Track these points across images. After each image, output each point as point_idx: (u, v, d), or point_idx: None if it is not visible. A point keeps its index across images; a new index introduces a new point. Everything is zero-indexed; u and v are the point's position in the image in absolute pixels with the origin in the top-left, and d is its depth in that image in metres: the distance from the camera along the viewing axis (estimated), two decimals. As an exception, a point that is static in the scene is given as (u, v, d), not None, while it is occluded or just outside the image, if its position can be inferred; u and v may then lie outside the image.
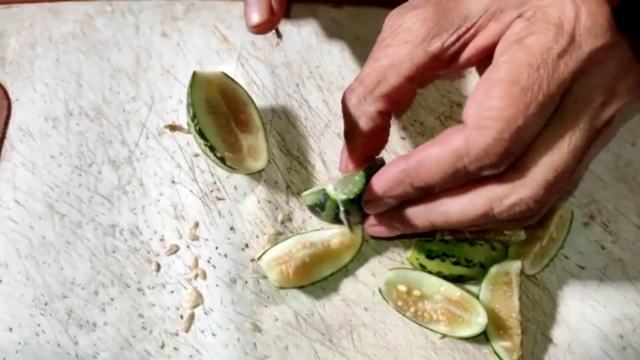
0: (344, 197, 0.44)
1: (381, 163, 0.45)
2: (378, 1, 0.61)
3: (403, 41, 0.39)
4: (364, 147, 0.44)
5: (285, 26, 0.60)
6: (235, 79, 0.53)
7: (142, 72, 0.57)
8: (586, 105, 0.36)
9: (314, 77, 0.58)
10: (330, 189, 0.45)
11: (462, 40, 0.39)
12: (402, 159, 0.40)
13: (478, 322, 0.47)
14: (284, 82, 0.57)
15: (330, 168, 0.54)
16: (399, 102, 0.42)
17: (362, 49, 0.59)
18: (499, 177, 0.38)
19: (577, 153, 0.36)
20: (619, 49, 0.36)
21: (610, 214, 0.54)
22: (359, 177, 0.44)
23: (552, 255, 0.52)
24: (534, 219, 0.40)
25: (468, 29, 0.38)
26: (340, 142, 0.55)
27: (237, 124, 0.52)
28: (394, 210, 0.43)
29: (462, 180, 0.38)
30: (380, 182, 0.41)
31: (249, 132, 0.52)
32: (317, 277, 0.49)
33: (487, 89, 0.35)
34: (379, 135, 0.44)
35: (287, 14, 0.59)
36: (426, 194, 0.40)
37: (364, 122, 0.42)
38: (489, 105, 0.35)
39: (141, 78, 0.57)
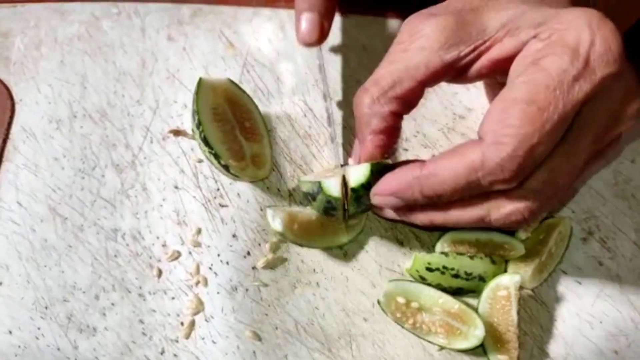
0: (353, 184, 0.45)
1: (387, 163, 0.46)
2: (384, 11, 0.61)
3: (420, 47, 0.40)
4: (376, 145, 0.46)
5: (290, 32, 0.60)
6: (241, 85, 0.54)
7: (148, 75, 0.57)
8: (591, 127, 0.38)
9: (319, 85, 0.58)
10: (325, 183, 0.46)
11: (477, 51, 0.40)
12: (418, 166, 0.41)
13: (476, 334, 0.48)
14: (289, 90, 0.57)
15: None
16: (410, 104, 0.44)
17: (367, 59, 0.59)
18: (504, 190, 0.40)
19: (576, 171, 0.39)
20: (627, 76, 0.37)
21: (608, 230, 0.54)
22: (365, 170, 0.45)
23: (551, 270, 0.52)
24: (525, 225, 0.44)
25: (484, 42, 0.40)
26: (344, 151, 0.55)
27: (242, 131, 0.52)
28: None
29: (472, 192, 0.40)
30: (393, 182, 0.43)
31: (254, 140, 0.52)
32: (315, 242, 0.50)
33: (504, 107, 0.37)
34: (391, 134, 0.45)
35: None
36: (432, 202, 0.42)
37: (377, 122, 0.44)
38: (506, 123, 0.36)
39: (146, 82, 0.57)
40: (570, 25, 0.36)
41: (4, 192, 0.52)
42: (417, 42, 0.41)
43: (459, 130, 0.57)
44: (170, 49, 0.58)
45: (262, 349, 0.48)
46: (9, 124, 0.54)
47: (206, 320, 0.49)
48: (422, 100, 0.58)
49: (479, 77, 0.42)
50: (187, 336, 0.48)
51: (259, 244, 0.51)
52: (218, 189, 0.53)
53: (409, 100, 0.43)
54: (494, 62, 0.40)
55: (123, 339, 0.48)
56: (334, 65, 0.59)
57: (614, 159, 0.41)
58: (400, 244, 0.53)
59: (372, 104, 0.43)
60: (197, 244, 0.51)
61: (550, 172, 0.38)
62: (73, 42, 0.58)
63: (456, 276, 0.49)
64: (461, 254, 0.50)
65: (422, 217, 0.45)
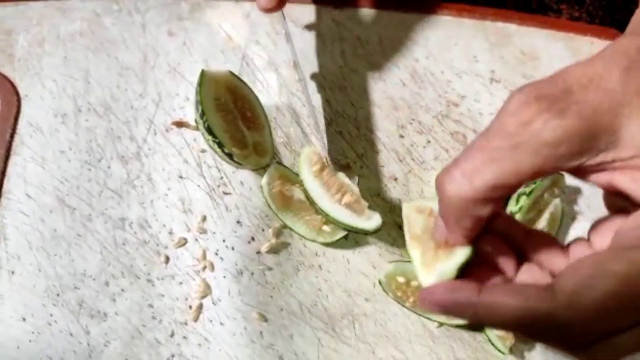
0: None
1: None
2: (378, 3, 0.63)
3: (536, 150, 0.32)
4: (465, 238, 0.37)
5: (288, 26, 0.61)
6: (241, 77, 0.55)
7: (149, 69, 0.59)
8: None
9: (316, 76, 0.59)
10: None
11: (601, 167, 0.33)
12: (474, 289, 0.34)
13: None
14: (287, 81, 0.59)
15: (332, 165, 0.56)
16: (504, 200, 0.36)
17: (362, 50, 0.61)
18: None
19: None
20: None
21: (598, 210, 0.56)
22: (460, 259, 0.38)
23: (544, 249, 0.54)
24: None
25: (614, 160, 0.32)
26: (342, 140, 0.57)
27: (244, 121, 0.54)
28: None
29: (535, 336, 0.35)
30: (445, 297, 0.35)
31: (255, 129, 0.54)
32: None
33: (594, 276, 0.31)
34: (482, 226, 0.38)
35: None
36: None
37: (471, 223, 0.36)
38: (588, 289, 0.31)
39: (148, 75, 0.58)
40: None
41: (13, 184, 0.53)
42: (533, 141, 0.31)
43: (453, 117, 0.59)
44: (171, 43, 0.60)
45: (268, 330, 0.50)
46: (16, 118, 0.56)
47: (213, 303, 0.51)
48: (416, 89, 0.60)
49: (594, 184, 0.35)
50: (196, 319, 0.50)
51: (263, 230, 0.53)
52: (221, 178, 0.55)
53: (504, 199, 0.35)
54: (614, 185, 0.33)
55: (133, 323, 0.50)
56: (331, 56, 0.60)
57: None
58: (399, 227, 0.54)
59: (466, 204, 0.34)
60: (203, 231, 0.53)
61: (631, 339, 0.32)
62: (75, 39, 0.60)
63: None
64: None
65: None
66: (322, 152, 0.53)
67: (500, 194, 0.34)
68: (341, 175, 0.53)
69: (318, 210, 0.51)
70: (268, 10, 0.49)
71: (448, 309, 0.35)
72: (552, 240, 0.36)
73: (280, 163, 0.55)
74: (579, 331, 0.31)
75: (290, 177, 0.54)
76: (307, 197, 0.52)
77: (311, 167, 0.52)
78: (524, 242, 0.38)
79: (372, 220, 0.50)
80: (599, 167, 0.32)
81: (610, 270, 0.30)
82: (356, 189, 0.52)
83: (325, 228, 0.52)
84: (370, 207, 0.51)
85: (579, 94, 0.31)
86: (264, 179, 0.52)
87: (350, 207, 0.51)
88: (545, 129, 0.31)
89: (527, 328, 0.33)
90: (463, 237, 0.36)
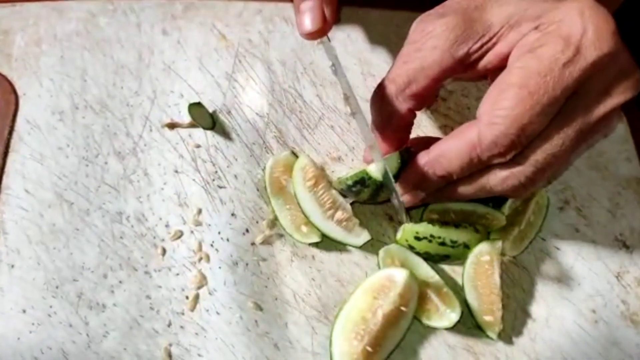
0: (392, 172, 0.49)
1: (409, 150, 0.50)
2: (367, 3, 0.65)
3: (432, 46, 0.43)
4: (397, 138, 0.50)
5: (279, 24, 0.63)
6: (233, 75, 0.57)
7: (145, 68, 0.60)
8: (583, 104, 0.41)
9: (307, 73, 0.61)
10: (371, 170, 0.50)
11: (485, 47, 0.43)
12: (425, 153, 0.46)
13: (450, 316, 0.51)
14: (280, 78, 0.61)
15: (325, 158, 0.58)
16: (426, 101, 0.47)
17: (352, 47, 0.63)
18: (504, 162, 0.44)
19: (569, 144, 0.42)
20: (621, 55, 0.40)
21: (583, 199, 0.58)
22: (396, 158, 0.49)
23: (531, 238, 0.56)
24: (522, 194, 0.47)
25: (490, 38, 0.42)
26: (333, 134, 0.59)
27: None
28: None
29: (476, 167, 0.44)
30: (411, 176, 0.48)
31: None
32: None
33: (500, 91, 0.41)
34: (408, 129, 0.51)
35: (338, 20, 0.64)
36: (447, 181, 0.47)
37: (397, 118, 0.47)
38: (500, 105, 0.41)
39: (143, 74, 0.60)
40: (565, 16, 0.40)
41: (12, 180, 0.55)
42: (429, 41, 0.43)
43: (441, 112, 0.61)
44: (165, 42, 0.61)
45: (263, 318, 0.51)
46: (14, 116, 0.57)
47: (210, 293, 0.52)
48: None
49: (487, 71, 0.45)
50: (193, 309, 0.51)
51: (257, 222, 0.55)
52: (216, 172, 0.56)
53: (424, 97, 0.46)
54: (501, 56, 0.43)
55: (131, 314, 0.51)
56: (321, 53, 0.62)
57: (610, 132, 0.44)
58: (390, 218, 0.56)
59: (390, 101, 0.46)
60: (198, 223, 0.54)
61: (544, 144, 0.42)
62: (72, 38, 0.61)
63: (442, 244, 0.52)
64: (447, 223, 0.53)
65: (439, 196, 0.50)
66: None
67: (415, 90, 0.45)
68: (334, 193, 0.54)
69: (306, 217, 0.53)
70: (311, 36, 0.44)
71: (419, 184, 0.48)
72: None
73: (295, 154, 0.57)
74: (502, 138, 0.41)
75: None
76: (299, 207, 0.54)
77: (305, 181, 0.54)
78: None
79: (360, 238, 0.53)
80: (484, 50, 0.43)
81: (507, 81, 0.40)
82: (349, 207, 0.54)
83: (303, 228, 0.54)
84: (360, 224, 0.53)
85: (454, 2, 0.44)
86: (270, 162, 0.55)
87: (341, 223, 0.53)
88: (435, 28, 0.43)
89: (472, 160, 0.43)
90: (396, 140, 0.49)
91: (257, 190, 0.56)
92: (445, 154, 0.45)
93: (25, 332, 0.50)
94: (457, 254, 0.53)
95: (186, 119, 0.58)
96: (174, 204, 0.55)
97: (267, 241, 0.54)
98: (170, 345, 0.50)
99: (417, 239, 0.52)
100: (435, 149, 0.46)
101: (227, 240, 0.54)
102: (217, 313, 0.51)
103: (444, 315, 0.51)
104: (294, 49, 0.62)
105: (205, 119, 0.57)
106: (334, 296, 0.53)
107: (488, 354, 0.52)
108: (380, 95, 0.47)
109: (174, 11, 0.63)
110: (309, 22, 0.44)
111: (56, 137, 0.57)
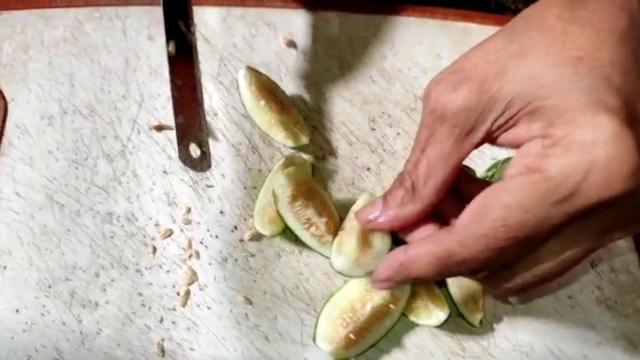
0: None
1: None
2: (347, 7, 0.67)
3: (448, 134, 0.39)
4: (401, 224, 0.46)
5: (262, 28, 0.65)
6: (218, 78, 0.59)
7: (131, 72, 0.61)
8: (585, 234, 0.36)
9: (291, 75, 0.63)
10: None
11: (501, 130, 0.38)
12: (401, 251, 0.42)
13: (439, 315, 0.52)
14: (264, 80, 0.63)
15: (311, 158, 0.59)
16: (447, 187, 0.42)
17: (333, 49, 0.65)
18: None
19: (563, 267, 0.38)
20: None
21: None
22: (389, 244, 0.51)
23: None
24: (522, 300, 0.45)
25: (506, 122, 0.37)
26: (317, 133, 0.61)
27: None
28: None
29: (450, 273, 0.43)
30: (385, 272, 0.44)
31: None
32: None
33: (480, 210, 0.37)
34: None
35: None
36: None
37: (413, 215, 0.43)
38: (473, 229, 0.37)
39: (130, 78, 0.61)
40: (578, 138, 0.33)
41: (3, 184, 0.56)
42: (444, 127, 0.38)
43: (420, 110, 0.63)
44: (151, 47, 0.63)
45: (253, 312, 0.53)
46: (3, 121, 0.58)
47: (200, 289, 0.53)
48: (385, 85, 0.64)
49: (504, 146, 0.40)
50: (184, 304, 0.53)
51: (245, 219, 0.56)
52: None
53: (445, 185, 0.41)
54: (515, 141, 0.38)
55: (124, 311, 0.52)
56: (304, 56, 0.64)
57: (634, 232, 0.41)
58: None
59: (409, 199, 0.43)
60: (188, 222, 0.56)
61: (532, 266, 0.38)
62: (59, 45, 0.62)
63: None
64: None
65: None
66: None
67: (436, 184, 0.41)
68: (310, 212, 0.53)
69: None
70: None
71: (391, 278, 0.43)
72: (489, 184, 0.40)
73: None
74: (472, 262, 0.38)
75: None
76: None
77: (285, 194, 0.52)
78: (465, 187, 0.44)
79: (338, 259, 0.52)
80: (500, 132, 0.38)
81: (491, 202, 0.36)
82: (322, 227, 0.53)
83: (269, 222, 0.54)
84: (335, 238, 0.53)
85: (475, 65, 0.37)
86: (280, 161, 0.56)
87: (316, 237, 0.53)
88: (451, 107, 0.37)
89: (441, 269, 0.40)
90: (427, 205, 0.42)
91: (245, 188, 0.57)
92: (420, 259, 0.41)
93: (19, 332, 0.51)
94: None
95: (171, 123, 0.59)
96: (163, 203, 0.56)
97: (255, 237, 0.56)
98: (163, 340, 0.51)
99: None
100: (410, 251, 0.41)
101: (216, 237, 0.55)
102: (208, 308, 0.53)
103: (432, 313, 0.52)
104: (278, 52, 0.64)
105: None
106: (321, 289, 0.55)
107: (471, 340, 0.54)
108: (397, 192, 0.43)
109: (159, 16, 0.64)
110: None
111: (46, 141, 0.58)
